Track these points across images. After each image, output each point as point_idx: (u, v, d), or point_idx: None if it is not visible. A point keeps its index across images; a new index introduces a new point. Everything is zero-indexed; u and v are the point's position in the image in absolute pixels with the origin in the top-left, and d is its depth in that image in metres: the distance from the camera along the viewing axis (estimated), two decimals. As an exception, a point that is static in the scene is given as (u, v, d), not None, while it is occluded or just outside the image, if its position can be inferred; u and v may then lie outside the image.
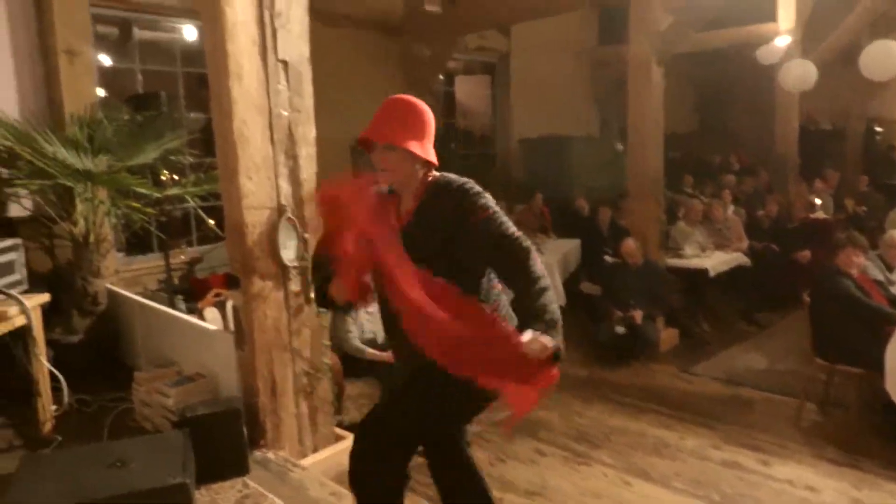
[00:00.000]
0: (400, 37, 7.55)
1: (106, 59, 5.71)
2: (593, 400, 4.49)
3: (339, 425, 3.46)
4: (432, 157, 2.01)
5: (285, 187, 2.96)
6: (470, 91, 9.81)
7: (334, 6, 6.07)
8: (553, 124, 9.05)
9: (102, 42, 5.61)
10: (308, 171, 3.04)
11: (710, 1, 5.29)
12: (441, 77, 8.60)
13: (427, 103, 2.05)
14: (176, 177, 4.81)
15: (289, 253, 2.93)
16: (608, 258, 6.10)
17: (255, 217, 2.87)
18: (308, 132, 3.04)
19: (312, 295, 2.18)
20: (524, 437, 3.87)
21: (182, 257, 5.44)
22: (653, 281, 5.47)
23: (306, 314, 3.08)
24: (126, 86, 5.78)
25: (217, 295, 4.37)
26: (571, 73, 9.97)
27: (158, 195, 4.39)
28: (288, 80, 2.94)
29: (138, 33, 5.81)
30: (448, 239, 1.96)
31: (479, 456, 3.54)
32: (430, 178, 2.04)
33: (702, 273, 5.94)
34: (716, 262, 6.10)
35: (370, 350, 3.98)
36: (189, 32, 6.08)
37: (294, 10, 2.94)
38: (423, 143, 1.99)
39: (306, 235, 2.99)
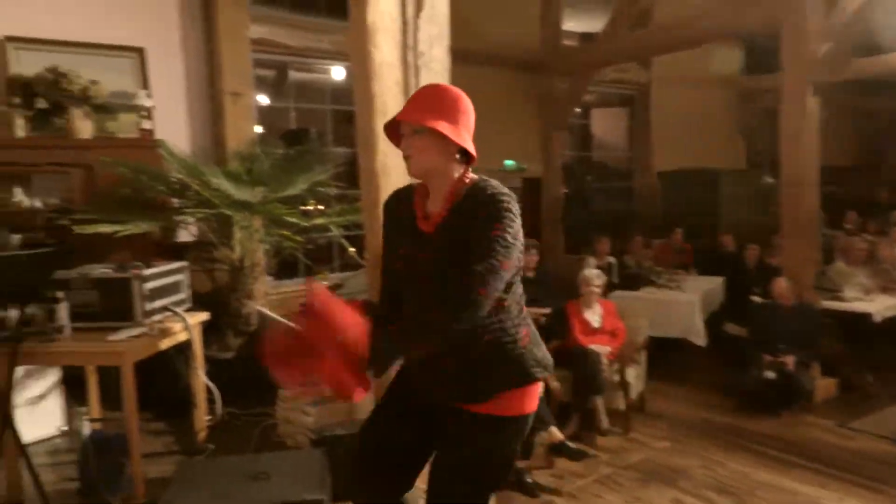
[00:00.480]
0: (537, 72, 7.61)
1: (264, 99, 6.24)
2: (736, 450, 4.18)
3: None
4: (469, 146, 1.77)
5: (423, 219, 3.05)
6: (606, 124, 9.69)
7: (473, 45, 6.24)
8: (696, 157, 8.70)
9: (261, 84, 6.15)
10: (445, 203, 3.12)
11: (876, 24, 4.90)
12: (577, 110, 8.55)
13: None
14: (321, 207, 5.12)
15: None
16: (756, 298, 5.71)
17: (393, 246, 2.97)
18: (446, 166, 3.13)
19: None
20: (662, 485, 3.67)
21: (325, 283, 5.73)
22: (807, 324, 5.05)
23: (439, 343, 3.13)
24: (280, 123, 6.29)
25: (355, 320, 4.55)
26: (716, 104, 9.60)
27: (306, 224, 4.68)
28: (429, 116, 3.05)
29: (293, 75, 6.32)
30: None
31: (612, 499, 3.42)
32: (468, 179, 1.80)
33: (865, 318, 5.41)
34: (882, 306, 5.52)
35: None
36: (337, 73, 6.53)
37: (436, 50, 3.06)
38: (458, 129, 1.75)
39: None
